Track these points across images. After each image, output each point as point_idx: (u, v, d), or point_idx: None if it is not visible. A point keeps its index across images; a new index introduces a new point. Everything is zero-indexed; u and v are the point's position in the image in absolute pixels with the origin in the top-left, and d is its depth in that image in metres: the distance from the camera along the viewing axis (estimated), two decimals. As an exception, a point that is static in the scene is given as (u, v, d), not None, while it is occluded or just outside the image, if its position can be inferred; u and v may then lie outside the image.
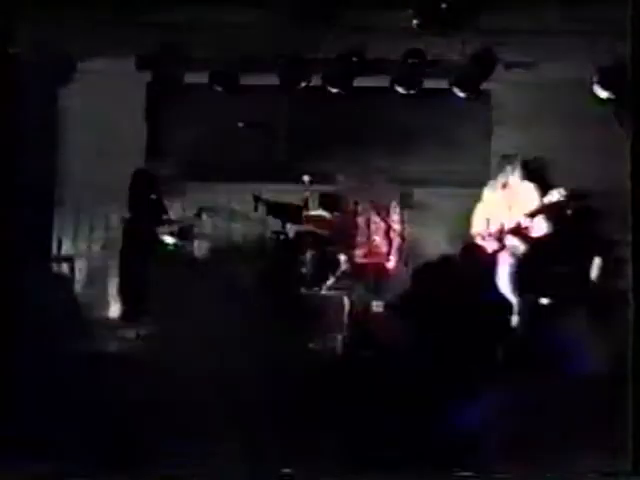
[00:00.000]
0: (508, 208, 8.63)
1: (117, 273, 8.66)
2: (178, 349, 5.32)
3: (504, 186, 8.72)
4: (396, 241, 9.01)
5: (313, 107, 9.71)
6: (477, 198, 8.93)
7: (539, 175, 8.79)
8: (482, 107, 9.78)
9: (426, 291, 6.21)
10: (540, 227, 8.52)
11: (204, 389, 5.21)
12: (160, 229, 8.55)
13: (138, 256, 8.40)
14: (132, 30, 8.27)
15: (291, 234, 9.03)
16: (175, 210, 8.95)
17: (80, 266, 9.16)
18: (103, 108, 9.29)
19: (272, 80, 8.94)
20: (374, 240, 9.00)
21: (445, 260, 6.28)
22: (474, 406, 5.41)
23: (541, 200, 8.52)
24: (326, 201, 9.44)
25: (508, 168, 8.71)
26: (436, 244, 9.13)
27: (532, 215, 8.49)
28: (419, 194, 9.78)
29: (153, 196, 8.61)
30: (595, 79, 8.61)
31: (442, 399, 5.44)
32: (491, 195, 8.78)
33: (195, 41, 8.46)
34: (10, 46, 6.26)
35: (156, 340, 5.42)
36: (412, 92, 9.06)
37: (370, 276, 8.78)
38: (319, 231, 9.07)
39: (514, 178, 8.70)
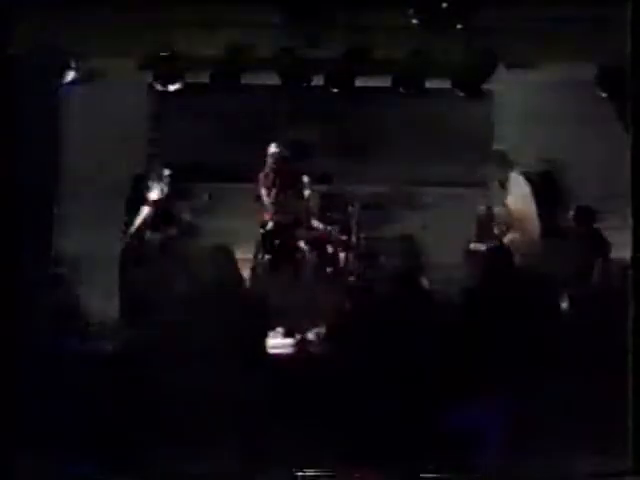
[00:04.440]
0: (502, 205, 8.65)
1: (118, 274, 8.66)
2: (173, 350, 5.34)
3: (499, 183, 8.74)
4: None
5: (314, 107, 9.71)
6: (478, 198, 8.96)
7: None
8: (483, 107, 9.77)
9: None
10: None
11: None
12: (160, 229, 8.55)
13: (140, 256, 8.40)
14: (132, 30, 8.27)
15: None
16: (176, 209, 8.94)
17: (81, 267, 9.15)
18: (104, 108, 9.30)
19: (273, 80, 8.94)
20: None
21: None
22: (473, 407, 5.41)
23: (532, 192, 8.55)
24: (326, 201, 9.47)
25: (499, 164, 8.72)
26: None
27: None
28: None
29: (153, 196, 8.61)
30: (596, 79, 8.61)
31: (437, 401, 5.46)
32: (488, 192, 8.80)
33: (196, 41, 8.46)
34: (10, 46, 6.25)
35: (154, 341, 5.43)
36: (413, 92, 9.05)
37: None
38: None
39: (506, 174, 8.71)
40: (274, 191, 9.08)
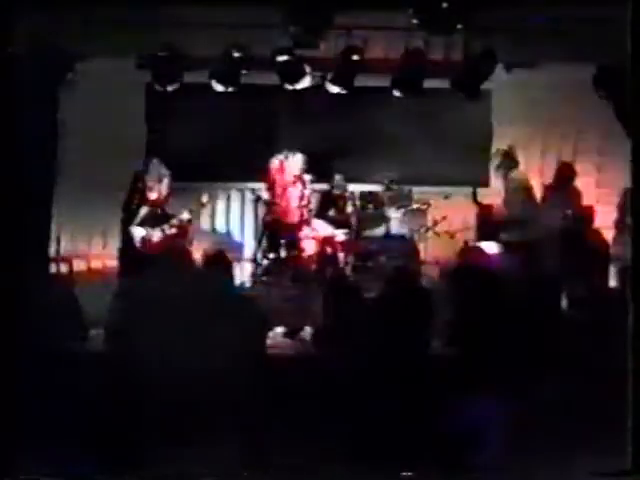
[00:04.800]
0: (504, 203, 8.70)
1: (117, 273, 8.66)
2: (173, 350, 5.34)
3: (503, 180, 8.78)
4: None
5: (313, 107, 9.70)
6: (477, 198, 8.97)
7: None
8: (482, 107, 9.77)
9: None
10: None
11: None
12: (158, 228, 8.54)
13: (137, 256, 8.40)
14: (132, 30, 8.26)
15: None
16: (174, 209, 8.94)
17: (79, 266, 9.17)
18: (103, 108, 9.29)
19: (272, 80, 8.94)
20: None
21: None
22: (473, 407, 5.41)
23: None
24: (326, 201, 9.49)
25: (503, 163, 8.75)
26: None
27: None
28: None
29: (152, 196, 8.60)
30: (596, 79, 8.61)
31: (436, 401, 5.46)
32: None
33: (195, 40, 8.45)
34: (10, 46, 6.24)
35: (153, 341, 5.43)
36: (412, 92, 9.05)
37: None
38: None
39: (510, 173, 8.75)
40: (278, 192, 9.11)
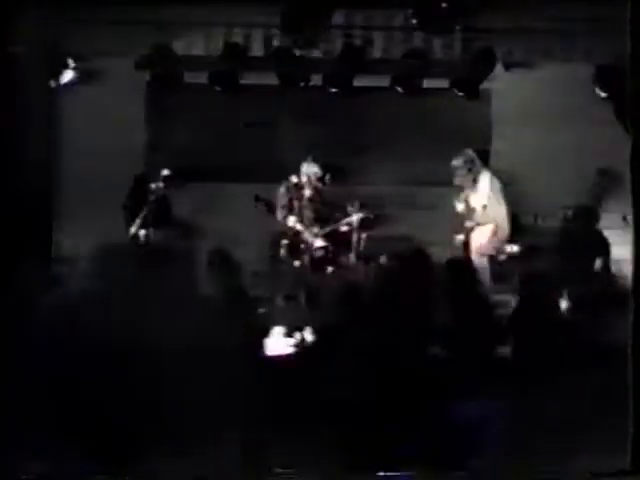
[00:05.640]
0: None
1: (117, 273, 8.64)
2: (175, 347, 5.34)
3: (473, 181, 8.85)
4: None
5: (313, 107, 9.71)
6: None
7: None
8: (482, 106, 9.78)
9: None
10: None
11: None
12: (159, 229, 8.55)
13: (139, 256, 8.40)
14: (132, 30, 8.27)
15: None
16: (175, 210, 8.95)
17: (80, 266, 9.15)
18: (102, 108, 9.29)
19: (272, 80, 8.94)
20: None
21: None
22: (471, 406, 5.41)
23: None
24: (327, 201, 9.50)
25: (462, 162, 8.80)
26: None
27: None
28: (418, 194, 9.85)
29: (152, 197, 8.61)
30: (595, 79, 8.62)
31: (434, 401, 5.46)
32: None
33: (194, 40, 8.46)
34: (10, 45, 6.25)
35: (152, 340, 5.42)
36: (412, 92, 9.05)
37: None
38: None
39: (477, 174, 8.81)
40: (295, 203, 9.15)
